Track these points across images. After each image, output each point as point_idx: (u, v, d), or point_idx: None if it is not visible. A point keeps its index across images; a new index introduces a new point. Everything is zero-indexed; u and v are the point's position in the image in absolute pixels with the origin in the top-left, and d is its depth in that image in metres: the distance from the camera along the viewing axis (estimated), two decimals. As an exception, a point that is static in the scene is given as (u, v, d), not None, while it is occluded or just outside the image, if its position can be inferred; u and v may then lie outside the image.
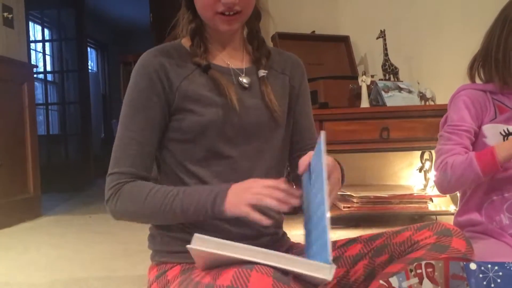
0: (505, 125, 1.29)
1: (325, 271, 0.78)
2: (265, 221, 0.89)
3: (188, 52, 1.10)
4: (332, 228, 0.79)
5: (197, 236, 0.81)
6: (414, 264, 0.97)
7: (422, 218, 2.61)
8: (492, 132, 1.30)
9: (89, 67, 6.85)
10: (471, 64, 1.38)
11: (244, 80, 1.11)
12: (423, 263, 0.97)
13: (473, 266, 0.93)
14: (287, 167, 1.26)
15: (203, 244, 0.81)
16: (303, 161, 0.99)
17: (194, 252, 0.82)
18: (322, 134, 0.91)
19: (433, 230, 1.10)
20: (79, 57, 5.57)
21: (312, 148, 1.24)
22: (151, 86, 1.04)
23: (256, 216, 0.90)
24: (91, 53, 7.36)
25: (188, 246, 0.81)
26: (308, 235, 0.93)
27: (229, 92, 1.05)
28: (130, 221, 1.07)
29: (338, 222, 2.50)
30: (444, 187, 1.31)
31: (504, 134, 1.29)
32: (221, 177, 1.07)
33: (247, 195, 0.91)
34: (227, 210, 0.94)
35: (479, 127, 1.31)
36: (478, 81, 1.38)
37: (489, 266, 0.93)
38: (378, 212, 2.44)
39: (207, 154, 1.07)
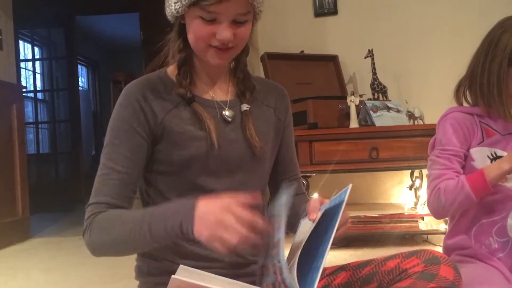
0: (492, 149, 1.30)
1: None
2: (226, 256, 0.86)
3: (173, 83, 1.10)
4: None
5: (182, 267, 0.83)
6: (403, 294, 0.97)
7: (413, 237, 2.61)
8: (480, 156, 1.30)
9: (80, 85, 6.84)
10: (457, 87, 1.38)
11: (227, 113, 1.11)
12: (411, 292, 0.97)
13: (460, 295, 0.93)
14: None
15: (187, 275, 0.82)
16: (315, 208, 0.98)
17: (177, 283, 0.82)
18: (350, 186, 0.94)
19: (421, 258, 1.10)
20: (69, 75, 5.58)
21: (294, 179, 1.26)
22: (134, 116, 1.04)
23: (222, 252, 0.85)
24: (82, 71, 7.36)
25: (173, 276, 0.80)
26: (297, 263, 0.94)
27: (209, 127, 1.05)
28: (107, 254, 1.02)
29: (329, 242, 2.49)
30: (438, 213, 1.32)
31: (491, 157, 1.29)
32: None
33: (219, 230, 0.85)
34: (196, 237, 0.88)
35: (468, 150, 1.31)
36: (465, 104, 1.39)
37: (477, 295, 0.93)
38: (369, 232, 2.44)
39: (191, 186, 1.06)
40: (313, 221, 0.98)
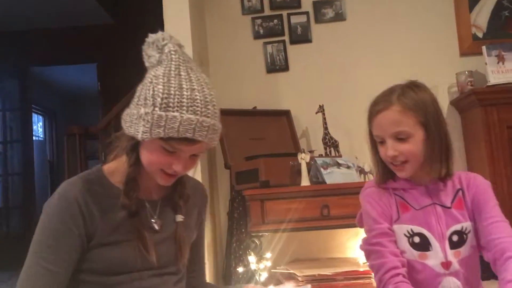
0: (409, 225, 1.31)
1: None
2: None
3: (111, 185, 1.12)
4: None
5: None
6: None
7: (368, 293, 2.60)
8: (398, 233, 1.32)
9: (36, 135, 6.69)
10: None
11: (156, 225, 1.15)
12: None
13: None
14: None
15: None
16: None
17: None
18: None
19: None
20: (23, 127, 5.47)
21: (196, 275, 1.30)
22: (74, 219, 1.04)
23: None
24: (39, 120, 7.21)
25: None
26: None
27: (147, 243, 1.09)
28: None
29: (284, 302, 2.45)
30: None
31: (408, 235, 1.30)
32: None
33: None
34: None
35: (391, 224, 1.32)
36: None
37: None
38: (324, 291, 2.41)
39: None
40: None
